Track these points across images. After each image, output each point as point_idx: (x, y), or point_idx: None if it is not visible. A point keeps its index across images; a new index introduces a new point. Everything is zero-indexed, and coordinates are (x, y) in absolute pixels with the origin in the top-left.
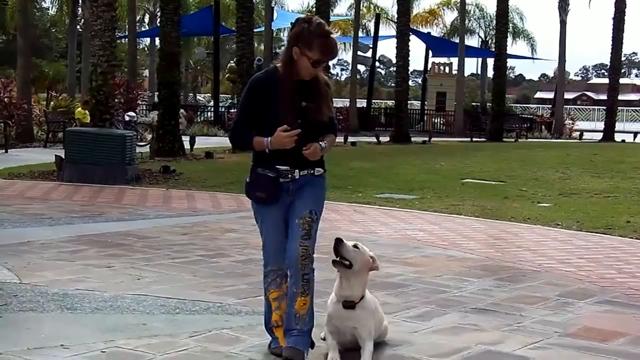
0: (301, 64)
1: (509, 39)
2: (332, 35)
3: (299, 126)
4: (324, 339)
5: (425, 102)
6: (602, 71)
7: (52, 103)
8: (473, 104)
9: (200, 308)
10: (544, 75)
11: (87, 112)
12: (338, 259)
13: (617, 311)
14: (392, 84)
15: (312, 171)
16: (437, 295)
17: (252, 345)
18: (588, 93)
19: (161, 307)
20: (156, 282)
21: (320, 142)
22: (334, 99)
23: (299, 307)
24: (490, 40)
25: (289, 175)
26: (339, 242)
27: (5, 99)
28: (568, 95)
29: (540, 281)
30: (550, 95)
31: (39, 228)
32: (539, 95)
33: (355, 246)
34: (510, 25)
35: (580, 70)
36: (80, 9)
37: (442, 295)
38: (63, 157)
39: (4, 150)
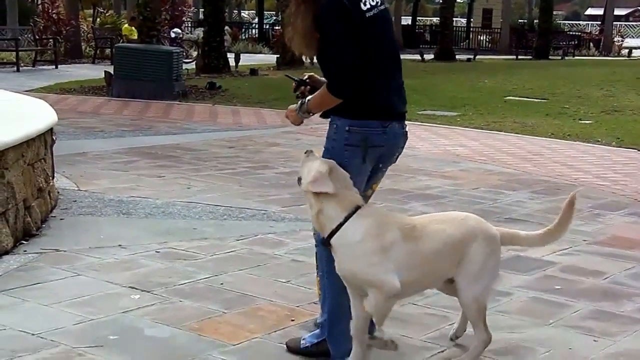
0: None
1: None
2: None
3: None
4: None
5: (472, 19)
6: None
7: (98, 20)
8: (520, 21)
9: (247, 215)
10: None
11: (134, 28)
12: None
13: None
14: (439, 1)
15: (328, 118)
16: (473, 206)
17: (295, 249)
18: None
19: (210, 213)
20: (205, 191)
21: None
22: None
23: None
24: None
25: None
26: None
27: (54, 16)
28: (620, 12)
29: None
30: (601, 11)
31: (92, 140)
32: (589, 12)
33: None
34: None
35: None
36: None
37: (478, 206)
38: (112, 73)
39: (54, 66)
